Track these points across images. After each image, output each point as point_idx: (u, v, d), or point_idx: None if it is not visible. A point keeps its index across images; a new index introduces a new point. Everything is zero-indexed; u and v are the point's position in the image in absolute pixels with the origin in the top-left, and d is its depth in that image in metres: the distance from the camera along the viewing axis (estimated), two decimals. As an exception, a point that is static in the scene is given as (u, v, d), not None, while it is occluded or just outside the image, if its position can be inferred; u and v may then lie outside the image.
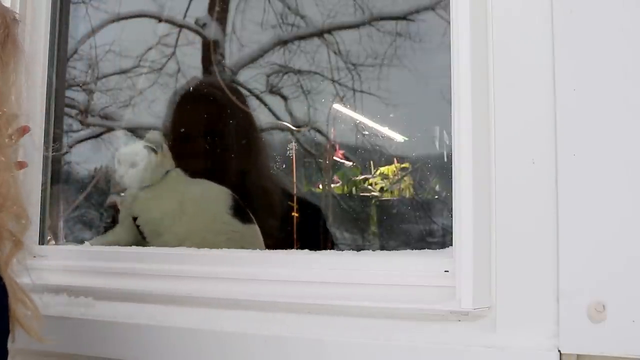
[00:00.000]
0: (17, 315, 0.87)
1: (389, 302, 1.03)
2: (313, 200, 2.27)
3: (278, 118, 2.25)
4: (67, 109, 2.04)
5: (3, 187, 0.87)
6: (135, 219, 1.69)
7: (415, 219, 2.14)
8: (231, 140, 1.98)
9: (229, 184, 1.77)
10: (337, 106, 2.25)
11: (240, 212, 1.71)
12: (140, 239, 1.69)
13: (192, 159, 1.88)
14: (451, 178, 1.01)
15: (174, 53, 2.26)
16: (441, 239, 2.02)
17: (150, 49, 2.24)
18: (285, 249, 1.39)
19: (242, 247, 1.60)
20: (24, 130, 0.96)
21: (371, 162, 2.25)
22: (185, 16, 2.27)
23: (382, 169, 2.23)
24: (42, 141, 1.48)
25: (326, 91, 2.25)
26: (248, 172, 1.94)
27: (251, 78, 2.27)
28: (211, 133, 1.93)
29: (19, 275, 0.90)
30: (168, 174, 1.73)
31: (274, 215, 1.89)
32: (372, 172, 2.24)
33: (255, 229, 1.72)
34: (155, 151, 1.70)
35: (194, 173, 1.78)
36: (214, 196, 1.74)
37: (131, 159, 1.70)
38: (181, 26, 2.27)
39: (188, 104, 2.03)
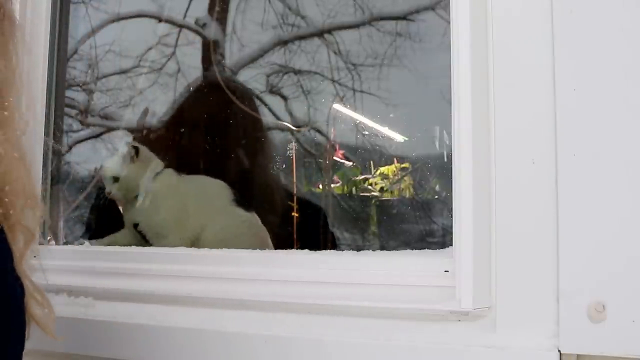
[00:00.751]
0: (30, 312, 0.87)
1: (389, 302, 1.03)
2: (314, 200, 2.27)
3: (278, 118, 2.24)
4: (67, 109, 2.04)
5: (18, 182, 0.86)
6: (135, 225, 1.69)
7: (415, 219, 2.13)
8: (234, 140, 1.98)
9: (232, 183, 1.77)
10: (337, 106, 2.24)
11: (241, 201, 1.73)
12: (141, 243, 1.69)
13: (194, 159, 1.88)
14: (451, 178, 1.01)
15: (174, 53, 2.25)
16: (441, 239, 2.02)
17: (150, 49, 2.24)
18: (286, 249, 1.39)
19: (253, 235, 1.67)
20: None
21: (371, 162, 2.24)
22: (185, 16, 2.26)
23: (382, 169, 2.23)
24: (43, 141, 1.48)
25: (326, 91, 2.25)
26: (252, 171, 1.94)
27: (251, 78, 2.26)
28: (215, 132, 1.93)
29: (30, 272, 0.90)
30: (158, 176, 1.72)
31: (276, 215, 1.90)
32: (372, 172, 2.24)
33: (256, 217, 1.74)
34: (131, 159, 1.70)
35: (196, 172, 1.78)
36: (216, 191, 1.74)
37: (111, 173, 1.70)
38: (181, 26, 2.26)
39: (191, 103, 2.03)
